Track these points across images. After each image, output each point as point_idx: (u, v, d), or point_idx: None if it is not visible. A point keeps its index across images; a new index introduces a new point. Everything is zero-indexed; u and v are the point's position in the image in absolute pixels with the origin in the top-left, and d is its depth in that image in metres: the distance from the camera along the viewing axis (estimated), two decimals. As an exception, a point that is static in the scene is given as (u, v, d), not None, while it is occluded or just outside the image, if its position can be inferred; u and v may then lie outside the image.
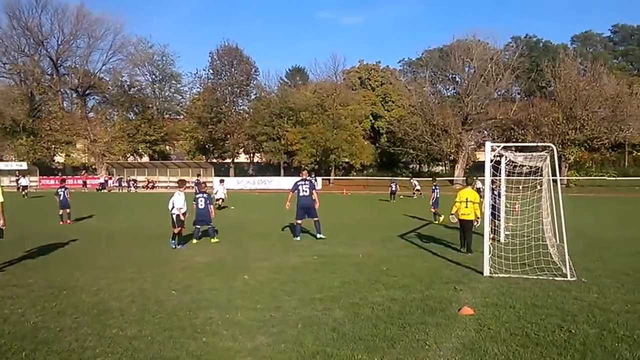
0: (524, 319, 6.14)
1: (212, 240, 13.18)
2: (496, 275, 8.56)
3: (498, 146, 9.65)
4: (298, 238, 13.54)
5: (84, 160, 62.87)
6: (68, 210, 18.38)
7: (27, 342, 5.37)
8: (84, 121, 61.96)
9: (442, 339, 5.42)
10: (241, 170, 65.56)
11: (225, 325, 5.95)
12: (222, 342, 5.40)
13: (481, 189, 14.79)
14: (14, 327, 5.91)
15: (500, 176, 11.83)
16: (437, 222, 17.89)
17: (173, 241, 12.18)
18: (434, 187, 19.20)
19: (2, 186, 10.01)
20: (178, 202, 12.24)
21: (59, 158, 66.24)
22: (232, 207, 25.28)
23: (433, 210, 18.64)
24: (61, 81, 64.34)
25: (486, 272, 8.63)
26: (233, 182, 50.87)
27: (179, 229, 12.26)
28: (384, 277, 8.57)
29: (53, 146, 62.04)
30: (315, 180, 35.88)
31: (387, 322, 6.04)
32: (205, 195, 13.81)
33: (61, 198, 18.48)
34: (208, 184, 40.05)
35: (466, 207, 11.13)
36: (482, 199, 10.99)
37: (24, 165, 53.50)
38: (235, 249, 12.07)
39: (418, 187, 35.95)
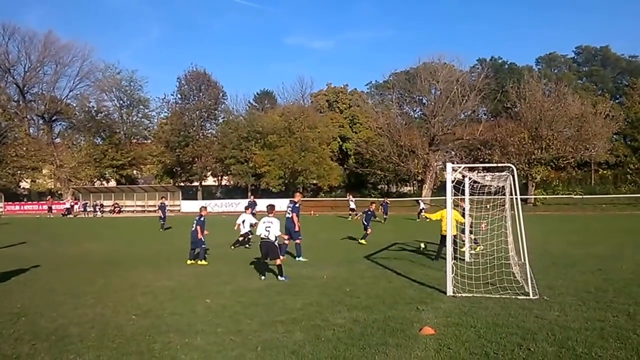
0: (484, 338, 6.18)
1: (200, 262, 13.45)
2: (459, 294, 8.62)
3: (459, 167, 9.85)
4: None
5: (50, 186, 61.68)
6: None
7: (-23, 371, 5.19)
8: (50, 147, 60.96)
9: None
10: (209, 193, 65.18)
11: (184, 350, 5.86)
12: (179, 367, 5.28)
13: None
14: None
15: (463, 196, 12.04)
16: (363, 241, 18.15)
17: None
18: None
19: None
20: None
21: (25, 184, 64.85)
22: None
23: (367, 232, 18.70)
24: (28, 107, 63.60)
25: (449, 292, 8.68)
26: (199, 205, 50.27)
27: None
28: (348, 299, 8.54)
29: (19, 172, 60.47)
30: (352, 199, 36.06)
31: (347, 343, 6.01)
32: (197, 219, 14.18)
33: None
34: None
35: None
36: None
37: None
38: (199, 272, 11.88)
39: (353, 206, 35.92)
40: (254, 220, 17.01)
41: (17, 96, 63.93)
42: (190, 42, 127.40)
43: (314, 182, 58.71)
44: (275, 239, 11.08)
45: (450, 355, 5.56)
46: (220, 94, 62.46)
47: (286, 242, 13.85)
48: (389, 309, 7.72)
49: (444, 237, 11.64)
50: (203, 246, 13.86)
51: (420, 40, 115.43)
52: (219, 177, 66.95)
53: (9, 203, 55.50)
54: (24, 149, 58.83)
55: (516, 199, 9.57)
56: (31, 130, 64.52)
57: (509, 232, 11.32)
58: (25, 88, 63.11)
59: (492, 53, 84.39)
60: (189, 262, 13.52)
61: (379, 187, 67.61)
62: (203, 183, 64.24)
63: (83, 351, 5.83)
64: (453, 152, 59.15)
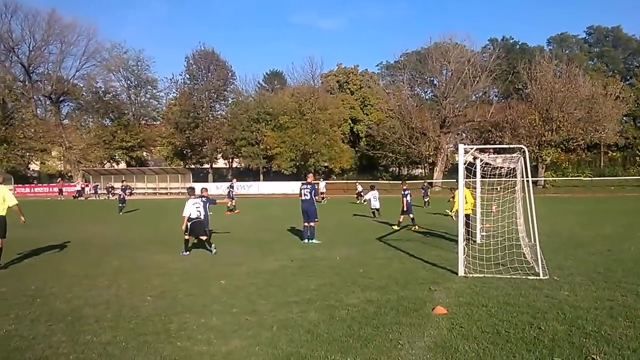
0: (495, 317, 6.25)
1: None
2: (471, 275, 8.69)
3: (471, 148, 9.81)
4: (306, 240, 13.82)
5: (60, 168, 61.97)
6: None
7: (-1, 351, 5.32)
8: (59, 128, 61.03)
9: (415, 338, 5.50)
10: (220, 176, 65.10)
11: (200, 330, 5.96)
12: (196, 346, 5.41)
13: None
14: None
15: (475, 178, 12.02)
16: (397, 227, 17.40)
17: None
18: (403, 192, 17.96)
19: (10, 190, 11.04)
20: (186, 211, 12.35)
21: (34, 166, 65.32)
22: (211, 213, 25.09)
23: (401, 219, 17.78)
24: (34, 88, 63.22)
25: (461, 273, 8.76)
26: (212, 188, 50.73)
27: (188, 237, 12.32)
28: (361, 279, 8.63)
29: (27, 154, 60.95)
30: (318, 183, 36.03)
31: (361, 323, 6.10)
32: (204, 200, 14.10)
33: None
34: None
35: (466, 203, 11.31)
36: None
37: None
38: (213, 254, 11.99)
39: (323, 190, 35.82)
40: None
41: (22, 76, 63.46)
42: (196, 20, 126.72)
43: (325, 164, 58.66)
44: (206, 217, 12.83)
45: (463, 333, 5.63)
46: (230, 74, 62.10)
47: (312, 224, 13.94)
48: (402, 289, 7.80)
49: (467, 217, 11.61)
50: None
51: (431, 20, 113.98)
52: (230, 159, 67.03)
53: (19, 185, 55.72)
54: (32, 130, 58.95)
55: (527, 180, 9.55)
56: (38, 112, 64.61)
57: (519, 213, 11.34)
58: (30, 68, 62.68)
59: (503, 33, 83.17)
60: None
61: (390, 169, 67.52)
62: (214, 165, 64.33)
63: (99, 332, 5.92)
64: (464, 134, 58.79)
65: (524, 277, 8.45)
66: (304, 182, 14.72)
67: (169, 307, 7.05)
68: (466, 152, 9.47)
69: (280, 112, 55.45)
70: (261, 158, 56.74)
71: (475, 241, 11.87)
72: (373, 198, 22.31)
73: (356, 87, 64.39)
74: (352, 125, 61.95)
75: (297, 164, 55.69)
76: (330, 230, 16.95)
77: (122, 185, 31.15)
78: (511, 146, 13.16)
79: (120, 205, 27.57)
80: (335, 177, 60.19)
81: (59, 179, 56.51)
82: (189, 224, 12.24)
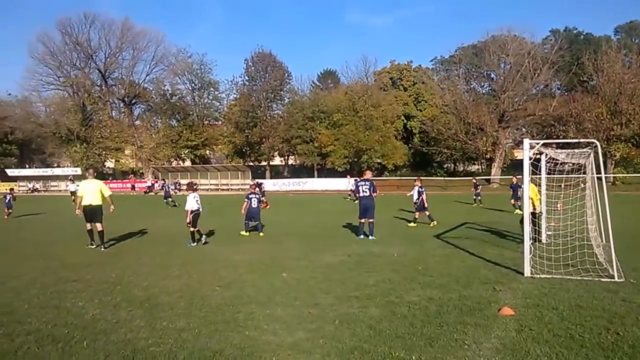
0: (567, 320, 6.00)
1: (260, 234, 14.65)
2: (537, 276, 8.39)
3: (537, 143, 9.46)
4: (361, 236, 13.85)
5: (132, 165, 66.00)
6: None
7: (87, 332, 5.74)
8: (131, 129, 65.26)
9: (481, 339, 5.38)
10: (277, 172, 67.45)
11: (266, 320, 6.13)
12: (263, 336, 5.57)
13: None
14: (76, 318, 6.32)
15: (540, 174, 11.60)
16: (414, 224, 17.26)
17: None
18: (419, 189, 18.07)
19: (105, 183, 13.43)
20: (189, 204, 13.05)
21: (110, 163, 69.77)
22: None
23: (417, 215, 17.72)
24: (109, 92, 67.94)
25: (527, 273, 8.47)
26: (269, 184, 51.98)
27: (193, 229, 13.01)
28: (420, 277, 8.54)
29: (104, 152, 65.60)
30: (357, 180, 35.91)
31: (424, 321, 6.04)
32: (257, 195, 15.37)
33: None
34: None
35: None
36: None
37: (78, 171, 56.41)
38: (274, 248, 12.27)
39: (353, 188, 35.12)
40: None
41: (99, 81, 68.44)
42: (253, 24, 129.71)
43: (379, 161, 58.41)
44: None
45: (533, 336, 5.46)
46: (286, 75, 63.72)
47: (370, 220, 13.96)
48: (464, 288, 7.65)
49: (533, 215, 11.31)
50: (259, 221, 15.09)
51: (488, 13, 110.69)
52: (286, 157, 68.53)
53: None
54: (108, 131, 63.47)
55: (599, 177, 9.12)
56: (113, 114, 69.12)
57: (590, 211, 10.84)
58: (106, 73, 67.24)
59: (566, 23, 79.52)
60: (244, 233, 14.82)
61: (445, 166, 66.25)
62: (271, 163, 66.20)
63: (174, 318, 6.23)
64: (524, 129, 56.92)
65: (596, 279, 8.07)
66: (362, 178, 14.71)
67: (236, 297, 7.29)
68: (532, 147, 9.15)
69: (334, 110, 55.80)
70: (315, 155, 57.42)
71: (541, 240, 11.46)
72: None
73: (410, 83, 63.64)
74: (405, 121, 61.34)
75: (351, 160, 55.76)
76: (384, 226, 16.84)
77: (166, 182, 32.66)
78: (582, 140, 12.58)
79: (165, 199, 29.73)
80: (388, 174, 59.79)
81: (131, 175, 59.93)
82: (191, 216, 12.87)
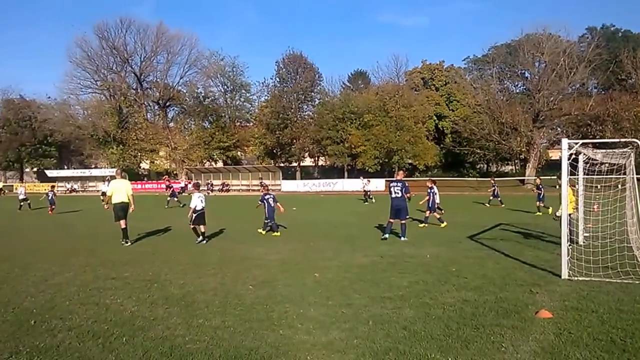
0: (608, 324, 5.84)
1: (275, 234, 14.88)
2: (575, 278, 8.19)
3: (576, 143, 9.22)
4: (386, 236, 13.72)
5: (166, 166, 67.20)
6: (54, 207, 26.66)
7: (126, 329, 5.88)
8: (165, 131, 66.70)
9: (519, 342, 5.28)
10: (307, 173, 67.61)
11: (300, 319, 6.16)
12: (297, 335, 5.60)
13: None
14: (115, 315, 6.49)
15: (577, 175, 11.31)
16: (425, 225, 17.33)
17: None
18: (429, 190, 18.46)
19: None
20: (193, 203, 13.67)
21: (145, 164, 71.27)
22: (294, 208, 25.66)
23: (427, 213, 17.83)
24: (145, 95, 69.77)
25: (564, 275, 8.28)
26: (300, 185, 52.26)
27: (193, 226, 13.70)
28: (454, 278, 8.44)
29: (139, 154, 67.22)
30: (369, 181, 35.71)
31: (459, 322, 5.97)
32: (272, 195, 15.76)
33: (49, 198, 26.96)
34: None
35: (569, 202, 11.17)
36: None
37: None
38: (305, 248, 12.32)
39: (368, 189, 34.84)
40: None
41: (135, 84, 70.21)
42: (284, 26, 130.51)
43: (410, 161, 58.00)
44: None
45: (572, 340, 5.33)
46: (316, 76, 63.80)
47: (403, 221, 13.90)
48: (500, 290, 7.52)
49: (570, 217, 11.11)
50: (274, 221, 15.40)
51: (521, 12, 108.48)
52: (316, 158, 68.77)
53: (132, 182, 60.48)
54: (143, 133, 65.09)
55: (639, 178, 8.83)
56: (148, 116, 70.82)
57: (631, 213, 10.50)
58: (141, 76, 68.94)
59: (603, 21, 76.98)
60: (262, 231, 15.31)
61: (478, 166, 65.26)
62: (301, 163, 66.57)
63: (210, 316, 6.34)
64: (559, 129, 55.57)
65: (637, 282, 7.82)
66: (394, 179, 14.62)
67: (269, 296, 7.36)
68: (570, 147, 8.92)
69: (365, 111, 55.70)
70: (346, 156, 57.42)
71: (578, 242, 11.17)
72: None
73: (441, 83, 63.03)
74: (437, 121, 60.76)
75: (381, 161, 55.52)
76: (418, 227, 16.74)
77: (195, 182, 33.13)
78: (622, 140, 12.21)
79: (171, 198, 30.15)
80: (419, 175, 59.27)
81: (166, 176, 61.12)
82: (194, 215, 13.52)
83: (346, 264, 10.00)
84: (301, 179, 59.86)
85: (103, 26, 66.24)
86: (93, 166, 72.71)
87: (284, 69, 62.63)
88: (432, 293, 7.44)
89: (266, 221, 15.39)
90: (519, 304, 6.78)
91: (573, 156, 8.96)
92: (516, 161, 61.96)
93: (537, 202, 22.09)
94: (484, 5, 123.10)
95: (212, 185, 53.96)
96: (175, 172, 65.77)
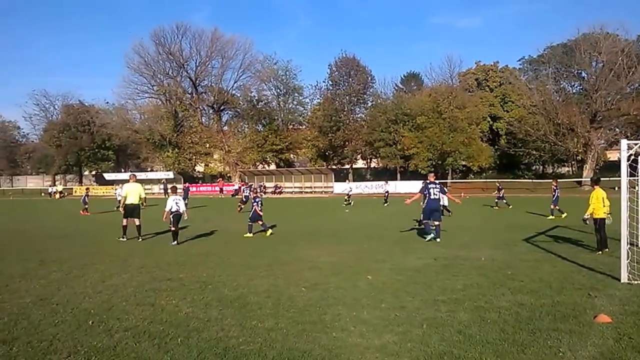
0: (671, 330, 5.62)
1: (266, 233, 15.83)
2: (635, 282, 7.91)
3: (635, 144, 8.87)
4: (431, 235, 13.75)
5: (220, 169, 68.51)
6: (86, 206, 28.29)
7: (181, 330, 6.03)
8: (220, 134, 67.90)
9: (576, 347, 5.17)
10: (359, 175, 67.53)
11: (353, 322, 6.18)
12: (350, 337, 5.62)
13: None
14: (170, 316, 6.64)
15: (637, 176, 10.83)
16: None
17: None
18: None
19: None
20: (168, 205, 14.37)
21: (199, 167, 73.15)
22: (347, 211, 25.81)
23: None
24: (200, 99, 71.17)
25: (624, 279, 8.00)
26: (352, 187, 52.43)
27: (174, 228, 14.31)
28: (509, 282, 8.30)
29: (194, 157, 68.93)
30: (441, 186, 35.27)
31: (515, 327, 5.87)
32: (259, 198, 16.72)
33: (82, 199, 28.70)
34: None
35: (603, 205, 11.26)
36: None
37: (170, 174, 59.92)
38: (357, 250, 12.37)
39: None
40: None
41: (190, 89, 71.94)
42: (337, 29, 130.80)
43: (463, 163, 56.97)
44: (184, 212, 14.70)
45: (633, 345, 5.17)
46: (369, 78, 63.67)
47: (437, 223, 13.81)
48: (557, 294, 7.35)
49: (600, 221, 11.39)
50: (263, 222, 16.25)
51: (577, 12, 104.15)
52: (368, 160, 68.71)
53: (188, 185, 62.62)
54: (198, 136, 66.77)
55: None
56: (203, 120, 72.22)
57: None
58: (197, 81, 70.51)
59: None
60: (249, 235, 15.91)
61: (534, 167, 63.33)
62: (353, 166, 66.72)
63: (263, 318, 6.42)
64: (618, 129, 53.29)
65: None
66: (431, 181, 14.56)
67: (321, 298, 7.42)
68: (630, 147, 8.60)
69: (418, 113, 55.09)
70: (398, 158, 57.02)
71: (638, 245, 10.70)
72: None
73: (496, 84, 61.60)
74: (491, 122, 59.43)
75: (434, 163, 54.79)
76: (471, 229, 16.49)
77: (246, 185, 33.31)
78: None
79: (240, 204, 28.81)
80: (473, 176, 58.11)
81: (220, 179, 62.69)
82: (171, 217, 14.18)
83: (399, 266, 9.99)
84: (353, 181, 59.79)
85: (160, 32, 68.12)
86: (149, 169, 75.17)
87: (336, 72, 62.98)
88: (487, 296, 7.34)
89: (250, 223, 16.01)
90: (576, 308, 6.62)
91: (632, 157, 8.61)
92: (573, 162, 59.79)
93: (552, 205, 21.59)
94: (539, 5, 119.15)
95: (264, 187, 54.80)
96: (228, 175, 67.02)
